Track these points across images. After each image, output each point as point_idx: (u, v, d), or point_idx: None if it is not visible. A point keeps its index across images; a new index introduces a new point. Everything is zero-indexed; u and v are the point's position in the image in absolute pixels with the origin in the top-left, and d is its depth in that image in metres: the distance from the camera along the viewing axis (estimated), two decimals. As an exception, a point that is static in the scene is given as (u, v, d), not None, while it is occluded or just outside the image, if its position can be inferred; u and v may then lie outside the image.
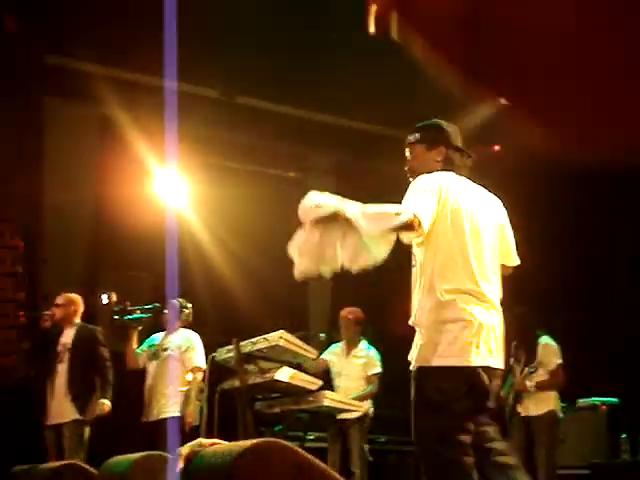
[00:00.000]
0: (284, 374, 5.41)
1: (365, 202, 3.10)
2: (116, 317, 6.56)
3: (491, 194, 3.52)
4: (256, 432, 5.44)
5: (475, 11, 6.02)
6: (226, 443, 2.65)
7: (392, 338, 7.13)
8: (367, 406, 6.69)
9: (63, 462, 4.91)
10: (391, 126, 8.36)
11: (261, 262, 8.42)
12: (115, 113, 7.83)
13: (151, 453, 3.19)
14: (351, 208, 3.05)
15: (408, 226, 3.07)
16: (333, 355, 6.96)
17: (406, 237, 3.22)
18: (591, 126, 6.41)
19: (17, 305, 6.93)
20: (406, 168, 3.55)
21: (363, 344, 6.91)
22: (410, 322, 3.31)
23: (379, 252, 3.08)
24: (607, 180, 7.66)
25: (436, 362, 3.12)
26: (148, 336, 6.86)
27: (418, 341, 3.24)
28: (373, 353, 6.85)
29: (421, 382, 3.16)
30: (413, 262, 3.35)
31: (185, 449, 2.59)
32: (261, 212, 8.54)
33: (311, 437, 6.58)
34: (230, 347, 5.75)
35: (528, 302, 6.59)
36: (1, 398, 6.69)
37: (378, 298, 8.07)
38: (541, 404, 6.32)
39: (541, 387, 6.31)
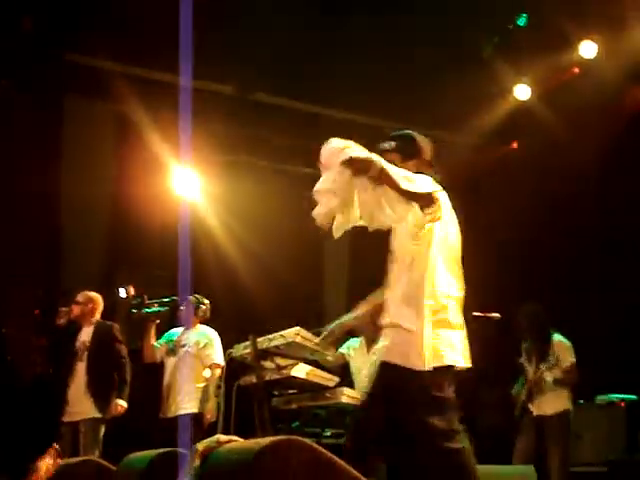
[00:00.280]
0: (301, 371, 5.40)
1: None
2: (134, 310, 6.57)
3: None
4: (273, 429, 5.44)
5: None
6: (242, 440, 2.65)
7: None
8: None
9: (80, 458, 4.92)
10: (407, 123, 8.33)
11: (276, 257, 8.42)
12: (132, 110, 7.87)
13: (169, 450, 3.20)
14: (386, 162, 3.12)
15: (431, 199, 3.19)
16: (352, 350, 6.90)
17: (416, 219, 3.24)
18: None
19: (35, 302, 6.95)
20: None
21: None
22: (386, 321, 3.36)
23: (396, 215, 3.15)
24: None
25: (436, 362, 3.19)
26: (166, 331, 6.87)
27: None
28: None
29: (420, 381, 3.17)
30: (394, 259, 3.35)
31: (201, 445, 2.59)
32: (276, 208, 8.54)
33: (328, 434, 6.56)
34: (247, 343, 5.74)
35: (542, 299, 6.56)
36: (19, 395, 6.72)
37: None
38: (555, 404, 6.25)
39: (557, 383, 6.26)
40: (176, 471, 2.55)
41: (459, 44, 7.79)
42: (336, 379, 5.64)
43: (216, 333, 6.74)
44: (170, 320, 6.90)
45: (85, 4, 7.17)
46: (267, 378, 5.55)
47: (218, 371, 6.52)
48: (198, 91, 8.34)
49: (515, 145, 9.66)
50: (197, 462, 2.46)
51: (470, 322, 5.79)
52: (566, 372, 6.23)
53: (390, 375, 3.23)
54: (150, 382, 6.76)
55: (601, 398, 7.34)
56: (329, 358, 5.62)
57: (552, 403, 6.25)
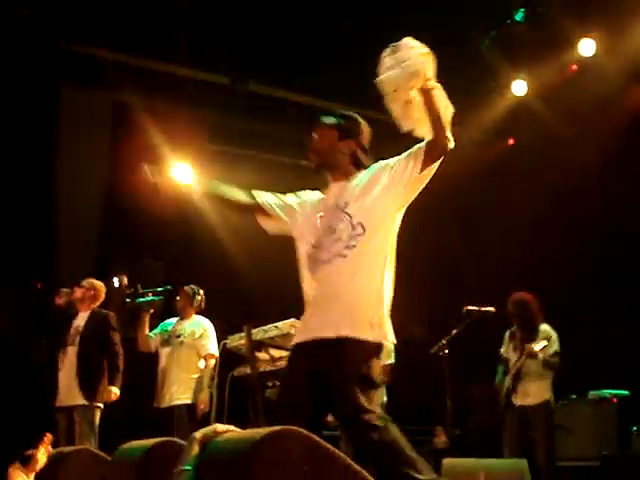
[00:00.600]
0: (295, 362, 5.40)
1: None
2: (128, 300, 6.56)
3: None
4: (267, 420, 5.45)
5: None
6: (240, 430, 2.65)
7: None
8: (380, 395, 6.65)
9: (75, 447, 4.91)
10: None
11: (273, 249, 8.40)
12: (129, 99, 7.85)
13: (165, 439, 3.19)
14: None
15: (449, 142, 3.20)
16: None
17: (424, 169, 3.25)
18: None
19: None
20: (310, 146, 3.50)
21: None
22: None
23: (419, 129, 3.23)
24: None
25: (375, 337, 3.22)
26: (160, 320, 6.87)
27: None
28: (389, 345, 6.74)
29: (362, 357, 3.18)
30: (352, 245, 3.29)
31: (199, 434, 2.59)
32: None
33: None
34: (241, 334, 5.74)
35: (539, 293, 6.55)
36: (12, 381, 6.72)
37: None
38: (537, 394, 6.23)
39: (533, 354, 6.19)
40: (173, 460, 2.55)
41: (458, 39, 7.78)
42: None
43: (211, 323, 6.74)
44: (164, 310, 6.89)
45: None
46: (261, 369, 5.56)
47: (213, 361, 6.51)
48: (196, 81, 8.35)
49: (511, 141, 9.68)
50: (195, 450, 2.46)
51: (465, 316, 5.89)
52: (553, 363, 6.19)
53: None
54: (144, 371, 6.76)
55: (593, 393, 7.34)
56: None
57: (534, 393, 6.21)
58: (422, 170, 3.26)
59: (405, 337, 9.04)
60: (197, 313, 6.80)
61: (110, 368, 6.41)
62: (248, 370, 5.65)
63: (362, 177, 3.43)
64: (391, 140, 3.55)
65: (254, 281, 8.57)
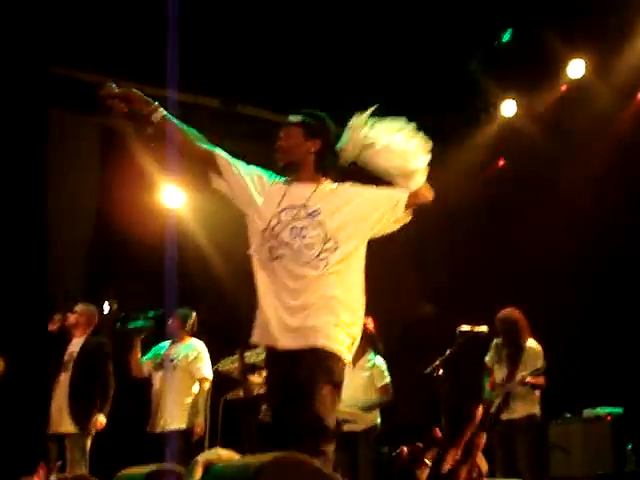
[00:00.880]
0: (288, 385, 5.37)
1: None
2: (118, 325, 6.52)
3: None
4: (260, 443, 5.41)
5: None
6: (242, 456, 2.63)
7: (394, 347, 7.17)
8: (375, 418, 6.63)
9: (73, 475, 4.86)
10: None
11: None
12: (117, 123, 7.84)
13: (164, 465, 3.15)
14: None
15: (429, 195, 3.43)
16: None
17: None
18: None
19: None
20: (276, 146, 3.47)
21: (369, 355, 6.78)
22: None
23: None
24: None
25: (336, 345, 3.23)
26: (153, 344, 6.83)
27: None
28: (380, 363, 6.70)
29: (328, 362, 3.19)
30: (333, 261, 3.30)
31: (202, 458, 2.56)
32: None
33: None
34: (234, 357, 5.71)
35: (531, 310, 6.57)
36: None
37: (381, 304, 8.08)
38: (523, 407, 6.21)
39: (524, 385, 6.20)
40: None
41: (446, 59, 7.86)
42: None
43: (204, 346, 6.71)
44: (157, 333, 6.85)
45: (70, 16, 7.14)
46: (255, 393, 5.52)
47: (207, 385, 6.52)
48: (184, 104, 8.34)
49: (502, 162, 9.72)
50: (198, 475, 2.43)
51: (458, 336, 5.87)
52: (534, 376, 6.19)
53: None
54: (137, 397, 6.71)
55: (588, 412, 7.36)
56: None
57: (520, 407, 6.21)
58: (397, 220, 3.43)
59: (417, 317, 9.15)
60: (190, 336, 6.77)
61: (100, 396, 6.37)
62: (241, 393, 5.63)
63: (338, 190, 3.43)
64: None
65: (245, 304, 8.53)
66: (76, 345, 6.47)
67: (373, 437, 6.62)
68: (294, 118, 3.49)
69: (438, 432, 6.22)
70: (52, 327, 6.48)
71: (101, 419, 6.30)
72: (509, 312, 6.37)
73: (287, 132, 3.47)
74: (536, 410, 6.24)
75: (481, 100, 8.89)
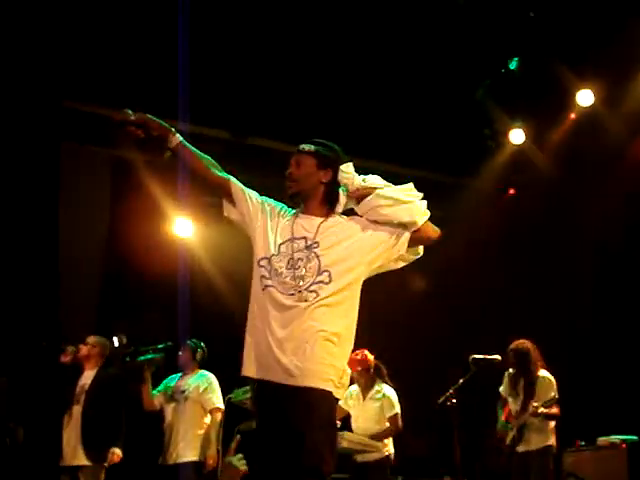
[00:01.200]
0: (301, 416, 5.35)
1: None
2: (128, 359, 6.52)
3: None
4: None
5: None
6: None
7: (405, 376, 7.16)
8: (388, 447, 6.60)
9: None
10: (404, 166, 8.41)
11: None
12: (129, 155, 7.91)
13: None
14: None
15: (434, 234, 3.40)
16: (349, 399, 6.83)
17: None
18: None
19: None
20: (287, 173, 3.45)
21: (379, 386, 6.78)
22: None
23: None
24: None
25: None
26: (163, 376, 6.83)
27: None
28: (390, 393, 6.70)
29: (318, 403, 3.14)
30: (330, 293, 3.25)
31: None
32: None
33: (328, 479, 6.48)
34: (246, 388, 5.70)
35: (542, 338, 6.58)
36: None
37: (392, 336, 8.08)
38: (538, 439, 6.24)
39: (537, 414, 6.19)
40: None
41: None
42: (337, 423, 5.60)
43: (214, 377, 6.70)
44: (167, 365, 6.85)
45: (82, 51, 7.23)
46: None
47: (219, 415, 6.49)
48: (194, 135, 8.40)
49: (512, 191, 9.73)
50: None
51: (471, 365, 5.86)
52: (547, 407, 6.18)
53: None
54: (149, 430, 6.69)
55: (602, 439, 7.30)
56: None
57: (536, 439, 6.25)
58: (401, 258, 3.40)
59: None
60: (200, 367, 6.77)
61: (114, 429, 6.35)
62: (254, 425, 5.62)
63: (342, 224, 3.40)
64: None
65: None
66: (88, 377, 6.44)
67: (387, 467, 6.59)
68: (307, 147, 3.46)
69: None
70: (65, 359, 6.44)
71: (117, 452, 6.26)
72: (521, 343, 6.42)
73: (299, 160, 3.44)
74: (552, 441, 6.27)
75: (490, 128, 8.93)
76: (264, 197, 3.54)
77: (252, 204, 3.47)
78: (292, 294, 3.24)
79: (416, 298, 9.39)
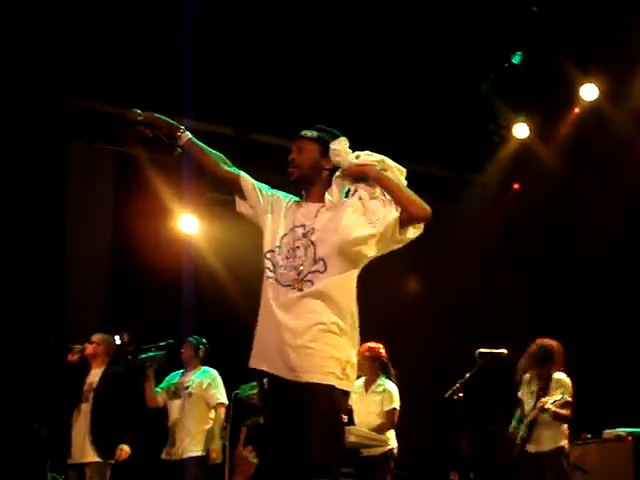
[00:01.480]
0: (307, 410, 5.37)
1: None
2: (130, 357, 6.54)
3: None
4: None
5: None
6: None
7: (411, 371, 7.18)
8: (391, 441, 6.62)
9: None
10: (408, 161, 8.41)
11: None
12: (134, 153, 7.93)
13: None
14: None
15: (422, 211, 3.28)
16: (353, 394, 6.82)
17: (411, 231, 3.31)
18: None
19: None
20: (290, 158, 3.42)
21: (381, 380, 6.78)
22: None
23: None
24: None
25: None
26: (167, 373, 6.85)
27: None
28: (391, 388, 6.69)
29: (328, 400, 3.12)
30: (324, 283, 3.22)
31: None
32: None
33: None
34: (253, 384, 5.73)
35: (550, 333, 6.57)
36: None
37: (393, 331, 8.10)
38: (550, 440, 6.17)
39: (544, 409, 6.18)
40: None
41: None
42: (344, 418, 5.61)
43: (217, 372, 6.74)
44: (173, 362, 6.88)
45: (87, 49, 7.25)
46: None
47: (223, 410, 6.57)
48: (198, 132, 8.42)
49: (517, 186, 9.72)
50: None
51: (477, 359, 5.88)
52: (558, 406, 6.16)
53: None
54: (152, 426, 6.72)
55: (608, 432, 7.30)
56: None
57: (548, 439, 6.17)
58: (396, 239, 3.29)
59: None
60: (202, 363, 6.81)
61: (123, 426, 6.36)
62: (261, 420, 5.64)
63: (336, 208, 3.33)
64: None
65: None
66: (95, 375, 6.45)
67: (391, 461, 6.60)
68: (309, 133, 3.43)
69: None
70: (72, 358, 6.44)
71: (126, 449, 6.28)
72: (549, 340, 6.34)
73: (301, 146, 3.42)
74: (564, 442, 6.20)
75: (494, 123, 8.93)
76: (275, 190, 3.53)
77: (262, 198, 3.46)
78: (290, 285, 3.22)
79: (416, 293, 9.41)
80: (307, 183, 3.43)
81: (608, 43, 7.41)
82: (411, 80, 7.98)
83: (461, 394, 5.68)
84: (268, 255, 3.33)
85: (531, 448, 6.19)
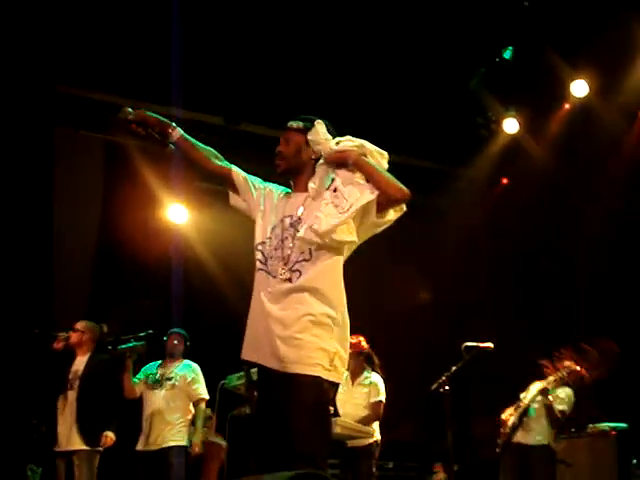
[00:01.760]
0: (294, 401, 5.38)
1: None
2: (109, 347, 6.52)
3: None
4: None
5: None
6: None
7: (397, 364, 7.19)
8: (375, 433, 6.64)
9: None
10: (397, 154, 8.42)
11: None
12: (122, 141, 7.90)
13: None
14: None
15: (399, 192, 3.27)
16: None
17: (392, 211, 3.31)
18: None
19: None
20: (276, 150, 3.44)
21: (368, 373, 6.80)
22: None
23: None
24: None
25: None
26: (147, 363, 6.85)
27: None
28: (377, 381, 6.73)
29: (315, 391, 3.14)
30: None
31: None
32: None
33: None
34: (240, 374, 5.74)
35: (539, 332, 6.60)
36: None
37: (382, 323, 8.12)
38: (538, 435, 6.25)
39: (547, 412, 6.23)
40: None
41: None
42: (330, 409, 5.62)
43: (199, 367, 6.76)
44: (155, 353, 6.86)
45: (76, 36, 7.21)
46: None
47: (204, 405, 6.63)
48: (188, 121, 8.40)
49: (505, 181, 9.73)
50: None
51: (463, 353, 5.89)
52: (555, 414, 6.21)
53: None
54: (127, 417, 6.70)
55: (592, 427, 7.35)
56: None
57: (536, 431, 6.23)
58: (375, 223, 3.30)
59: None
60: (184, 357, 6.83)
61: (108, 413, 6.36)
62: (247, 410, 5.65)
63: (321, 197, 3.33)
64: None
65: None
66: (80, 363, 6.42)
67: (375, 452, 6.63)
68: (295, 124, 3.45)
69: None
70: (57, 346, 6.42)
71: (111, 435, 6.28)
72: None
73: (288, 138, 3.43)
74: (550, 441, 6.27)
75: (483, 117, 8.94)
76: (266, 182, 3.55)
77: (255, 191, 3.48)
78: (279, 276, 3.24)
79: (406, 287, 9.41)
80: (294, 174, 3.46)
81: (599, 39, 7.41)
82: (401, 72, 7.97)
83: (447, 387, 5.69)
84: (259, 247, 3.36)
85: (519, 437, 6.24)
